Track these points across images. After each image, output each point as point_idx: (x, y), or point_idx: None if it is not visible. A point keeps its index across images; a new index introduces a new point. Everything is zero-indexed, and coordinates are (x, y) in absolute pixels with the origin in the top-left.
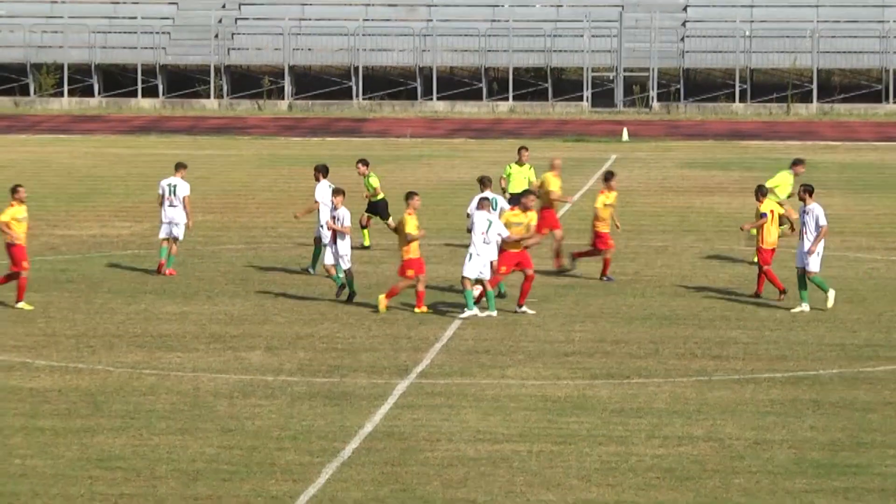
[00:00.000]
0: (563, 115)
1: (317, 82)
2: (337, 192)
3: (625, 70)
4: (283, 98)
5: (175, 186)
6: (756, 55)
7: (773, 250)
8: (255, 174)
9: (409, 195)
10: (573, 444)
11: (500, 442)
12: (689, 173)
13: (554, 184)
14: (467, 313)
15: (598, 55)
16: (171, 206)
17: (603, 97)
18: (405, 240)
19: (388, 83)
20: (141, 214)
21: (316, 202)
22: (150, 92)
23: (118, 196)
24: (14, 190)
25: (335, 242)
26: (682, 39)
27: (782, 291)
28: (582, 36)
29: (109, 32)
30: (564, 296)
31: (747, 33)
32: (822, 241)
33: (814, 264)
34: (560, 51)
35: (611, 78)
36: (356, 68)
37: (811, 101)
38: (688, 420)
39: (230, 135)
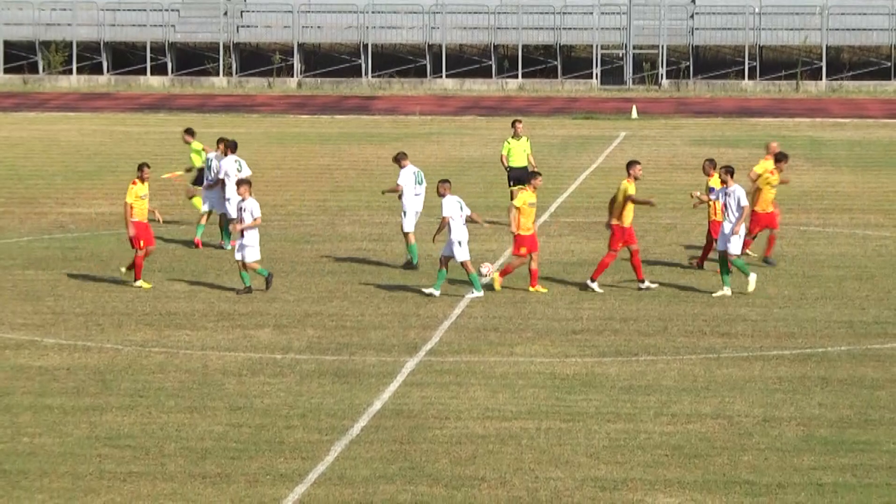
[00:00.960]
0: (573, 92)
1: (326, 60)
2: (242, 182)
3: (634, 47)
4: (292, 76)
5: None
6: (765, 32)
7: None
8: (264, 152)
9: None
10: (581, 421)
11: (508, 419)
12: (698, 151)
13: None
14: (475, 294)
15: (607, 32)
16: (210, 180)
17: (612, 74)
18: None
19: (398, 60)
20: (150, 193)
21: (219, 179)
22: (159, 69)
23: (127, 174)
24: (140, 168)
25: (242, 236)
26: (692, 16)
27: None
28: (591, 13)
29: (118, 10)
30: (573, 273)
31: (757, 10)
32: (744, 223)
33: (735, 247)
34: (569, 28)
35: (620, 55)
36: (365, 46)
37: (820, 79)
38: (696, 397)
39: (239, 113)
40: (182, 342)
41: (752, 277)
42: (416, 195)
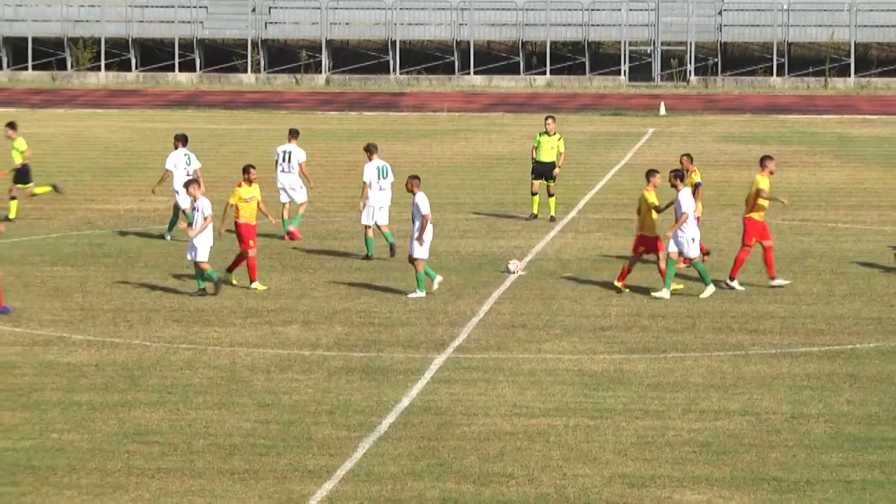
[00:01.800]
0: (601, 89)
1: (354, 56)
2: (190, 183)
3: (662, 44)
4: (320, 72)
5: (290, 153)
6: (794, 29)
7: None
8: None
9: (651, 173)
10: (609, 418)
11: (536, 416)
12: (726, 147)
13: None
14: (417, 294)
15: (635, 29)
16: (283, 172)
17: (640, 71)
18: (649, 215)
19: (426, 57)
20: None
21: (167, 171)
22: (188, 66)
23: (155, 171)
24: (245, 170)
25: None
26: (720, 13)
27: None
28: (620, 10)
29: (147, 6)
30: (601, 270)
31: (785, 7)
32: (695, 226)
33: (691, 251)
34: (598, 25)
35: (648, 52)
36: (393, 42)
37: (849, 75)
38: (724, 394)
39: (267, 109)
40: (210, 339)
41: (710, 288)
42: (380, 189)
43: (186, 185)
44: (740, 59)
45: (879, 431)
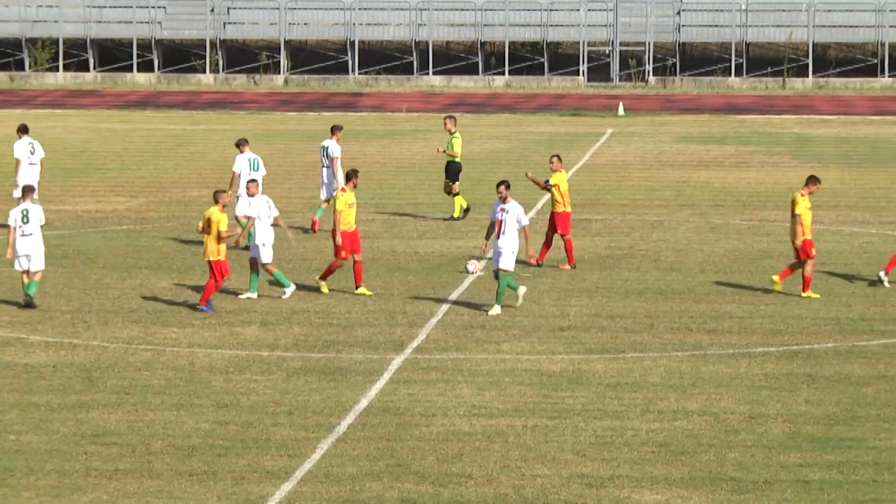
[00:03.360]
0: (560, 89)
1: (313, 57)
2: (27, 190)
3: (621, 44)
4: (278, 73)
5: (327, 148)
6: (752, 29)
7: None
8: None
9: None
10: (568, 418)
11: (495, 417)
12: (684, 147)
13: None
14: (286, 294)
15: (594, 29)
16: (324, 167)
17: (599, 71)
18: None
19: (385, 57)
20: (136, 190)
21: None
22: (146, 66)
23: (113, 171)
24: (350, 175)
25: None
26: (679, 13)
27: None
28: (578, 10)
29: (105, 7)
30: (559, 271)
31: (743, 7)
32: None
33: (507, 263)
34: (556, 25)
35: (607, 52)
36: (352, 42)
37: (807, 76)
38: (683, 394)
39: (226, 109)
40: (169, 339)
41: (522, 290)
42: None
43: (24, 191)
44: (699, 60)
45: (837, 431)
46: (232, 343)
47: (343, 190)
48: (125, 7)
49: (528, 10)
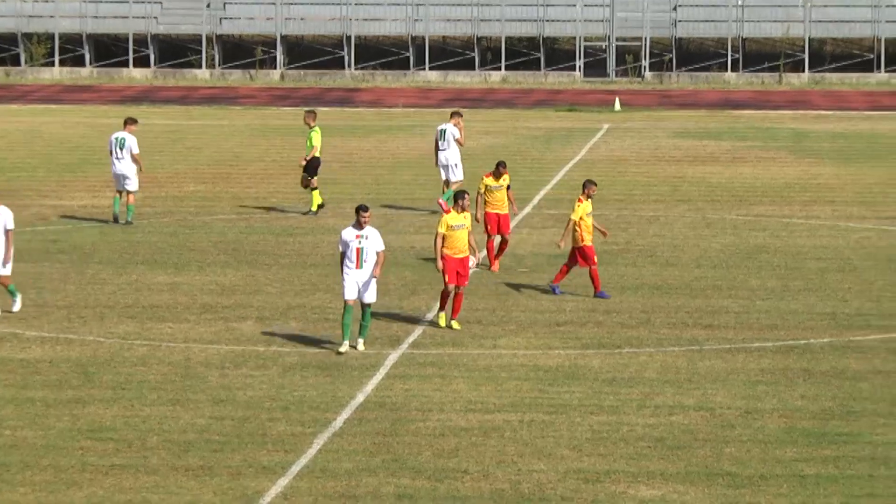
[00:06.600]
0: (556, 84)
1: (309, 52)
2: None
3: (617, 39)
4: (275, 68)
5: (444, 131)
6: (748, 24)
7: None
8: (246, 144)
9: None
10: (564, 413)
11: (491, 412)
12: (681, 143)
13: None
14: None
15: (590, 24)
16: (440, 150)
17: (595, 67)
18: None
19: (381, 53)
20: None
21: None
22: (142, 62)
23: (109, 166)
24: (457, 198)
25: None
26: (675, 9)
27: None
28: (574, 5)
29: (101, 2)
30: (556, 265)
31: (739, 2)
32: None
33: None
34: (552, 20)
35: (603, 47)
36: (348, 38)
37: (803, 71)
38: (679, 389)
39: (222, 105)
40: (164, 335)
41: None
42: (118, 159)
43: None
44: (695, 55)
45: (833, 426)
46: (228, 338)
47: (447, 211)
48: (121, 2)
49: (525, 5)
